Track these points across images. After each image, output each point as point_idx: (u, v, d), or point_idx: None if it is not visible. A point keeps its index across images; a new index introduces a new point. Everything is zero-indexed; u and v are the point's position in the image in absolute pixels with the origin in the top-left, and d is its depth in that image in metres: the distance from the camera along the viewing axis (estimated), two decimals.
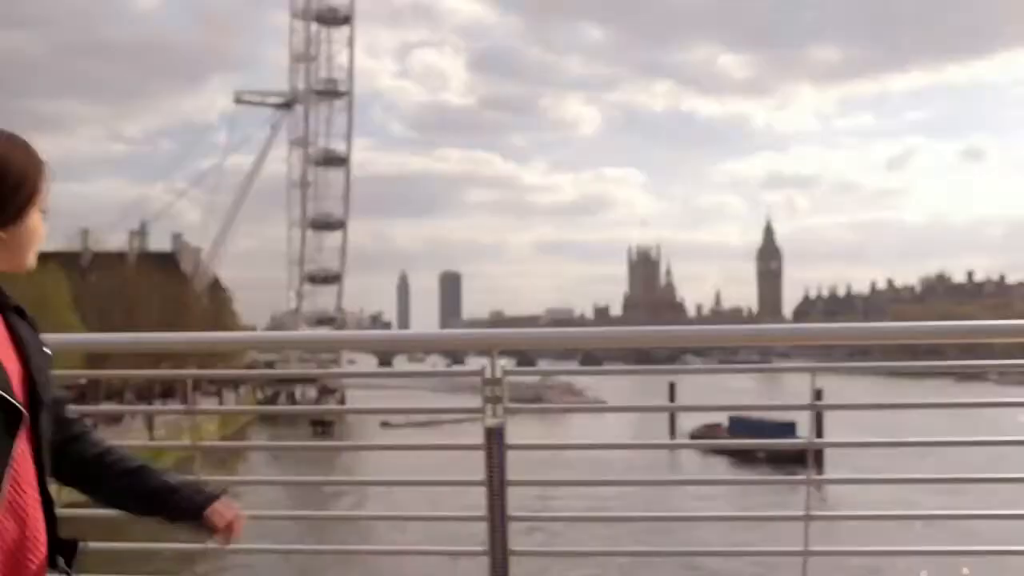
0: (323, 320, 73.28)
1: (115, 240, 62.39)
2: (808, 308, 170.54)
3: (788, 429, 24.94)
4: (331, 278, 75.71)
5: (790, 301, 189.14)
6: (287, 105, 75.79)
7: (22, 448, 1.48)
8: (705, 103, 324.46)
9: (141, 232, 67.67)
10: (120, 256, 57.24)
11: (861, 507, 12.24)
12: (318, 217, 75.54)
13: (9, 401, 1.44)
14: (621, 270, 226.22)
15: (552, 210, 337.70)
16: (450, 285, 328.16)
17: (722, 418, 31.34)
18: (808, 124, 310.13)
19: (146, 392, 39.13)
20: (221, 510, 1.69)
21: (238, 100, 78.09)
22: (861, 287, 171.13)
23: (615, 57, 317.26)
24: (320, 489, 18.69)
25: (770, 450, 26.76)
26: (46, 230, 1.56)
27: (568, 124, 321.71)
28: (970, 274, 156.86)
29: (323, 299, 75.59)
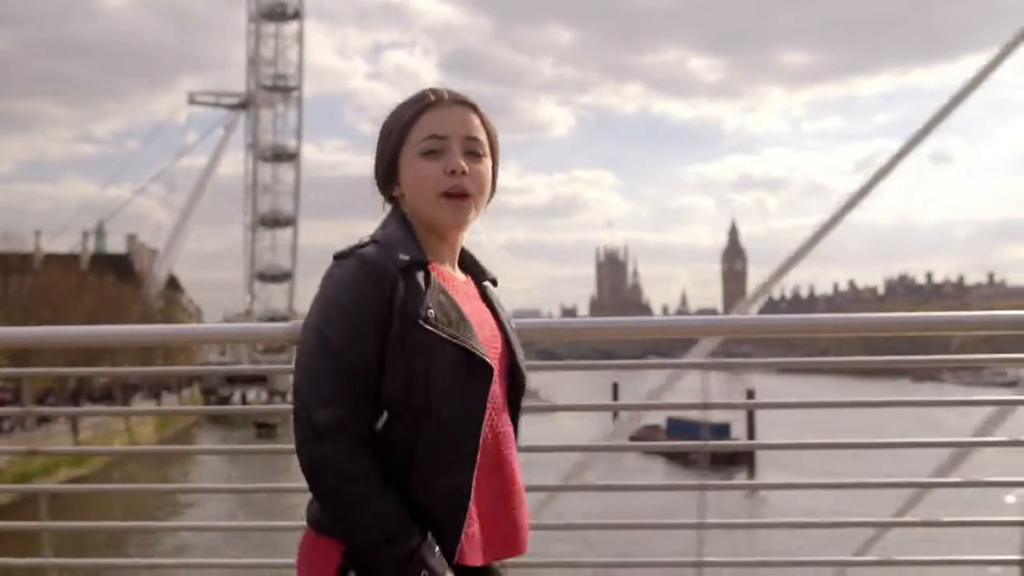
0: (275, 320, 71.26)
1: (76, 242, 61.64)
2: (772, 309, 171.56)
3: (723, 430, 25.33)
4: (282, 276, 74.99)
5: (754, 304, 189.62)
6: (242, 106, 75.07)
7: (497, 406, 1.54)
8: (676, 106, 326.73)
9: (98, 233, 66.78)
10: (74, 257, 56.47)
11: (819, 512, 12.21)
12: (268, 214, 74.73)
13: (478, 357, 1.49)
14: (590, 271, 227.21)
15: (525, 212, 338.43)
16: None
17: (660, 419, 31.59)
18: (778, 127, 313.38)
19: (76, 393, 38.36)
20: None
21: (192, 101, 77.12)
22: (825, 288, 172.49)
23: (586, 60, 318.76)
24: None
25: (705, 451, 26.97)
26: None
27: (540, 126, 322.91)
28: (929, 275, 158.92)
29: (279, 298, 74.91)
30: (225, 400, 53.83)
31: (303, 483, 1.46)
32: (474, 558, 1.48)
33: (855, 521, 2.99)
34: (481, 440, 1.48)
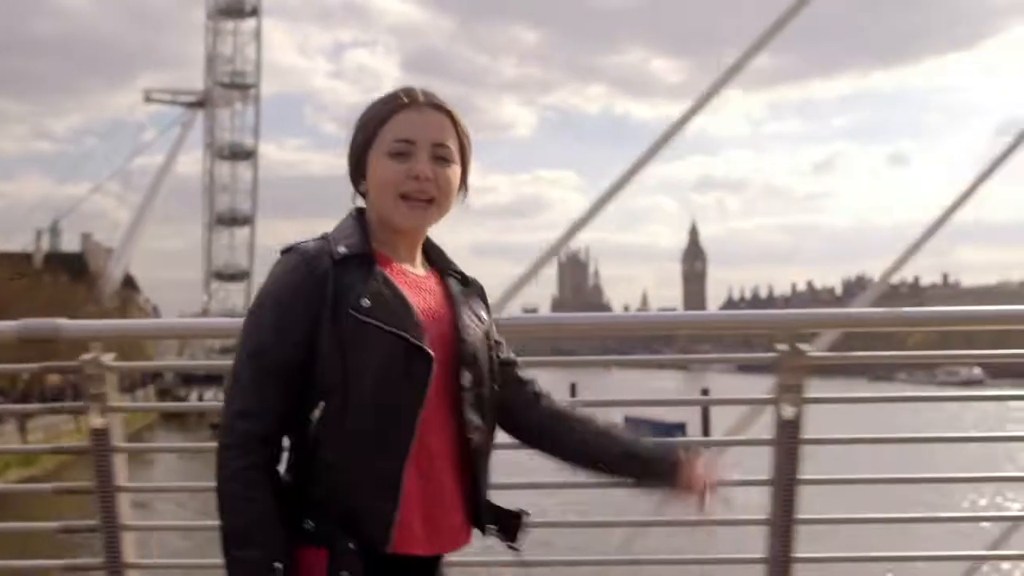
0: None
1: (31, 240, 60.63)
2: (731, 309, 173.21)
3: (679, 429, 25.64)
4: (239, 275, 74.17)
5: (715, 301, 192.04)
6: (200, 104, 74.13)
7: (435, 402, 1.51)
8: (638, 106, 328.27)
9: (53, 231, 65.69)
10: (26, 256, 55.47)
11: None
12: (226, 213, 74.09)
13: (414, 345, 1.48)
14: (552, 271, 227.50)
15: (488, 212, 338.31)
16: None
17: (618, 418, 31.74)
18: (739, 129, 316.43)
19: (27, 393, 37.56)
20: (696, 473, 1.65)
21: (148, 99, 75.90)
22: (784, 288, 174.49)
23: (550, 60, 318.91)
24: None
25: None
26: None
27: (503, 126, 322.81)
28: None
29: (236, 297, 74.09)
30: (182, 400, 53.03)
31: None
32: (415, 547, 1.49)
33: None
34: (417, 431, 1.48)
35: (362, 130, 1.60)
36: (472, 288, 1.68)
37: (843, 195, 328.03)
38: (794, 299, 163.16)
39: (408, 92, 1.59)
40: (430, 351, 1.50)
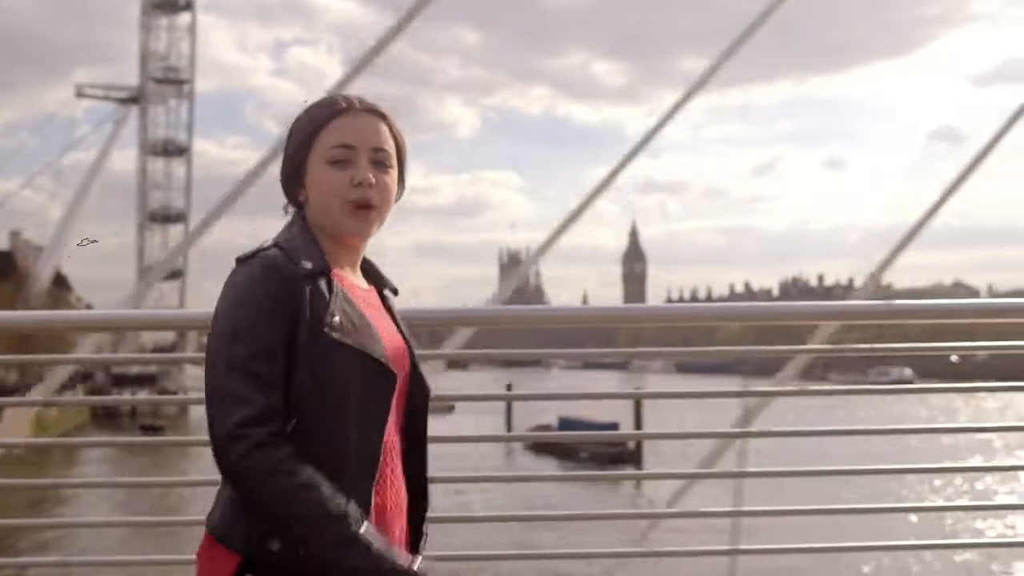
0: None
1: None
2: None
3: (612, 428, 26.12)
4: (173, 274, 72.53)
5: (654, 302, 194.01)
6: (133, 100, 72.52)
7: (394, 418, 1.54)
8: (580, 109, 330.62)
9: None
10: None
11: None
12: (159, 210, 72.58)
13: (383, 365, 1.49)
14: (493, 272, 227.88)
15: (430, 212, 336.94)
16: None
17: (551, 419, 32.18)
18: (680, 132, 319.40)
19: None
20: None
21: (80, 94, 73.88)
22: (722, 290, 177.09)
23: (492, 61, 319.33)
24: (149, 491, 18.04)
25: (592, 449, 28.05)
26: None
27: (446, 126, 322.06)
28: (820, 277, 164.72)
29: (170, 296, 72.65)
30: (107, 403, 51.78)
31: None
32: None
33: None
34: (383, 445, 1.50)
35: (298, 137, 1.57)
36: (393, 301, 1.69)
37: (782, 198, 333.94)
38: (732, 300, 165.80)
39: (345, 98, 1.58)
40: (394, 369, 1.51)
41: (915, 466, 4.37)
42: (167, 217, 73.01)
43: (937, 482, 19.59)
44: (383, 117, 1.59)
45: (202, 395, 1.46)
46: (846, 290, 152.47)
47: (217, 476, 1.47)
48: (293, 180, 1.59)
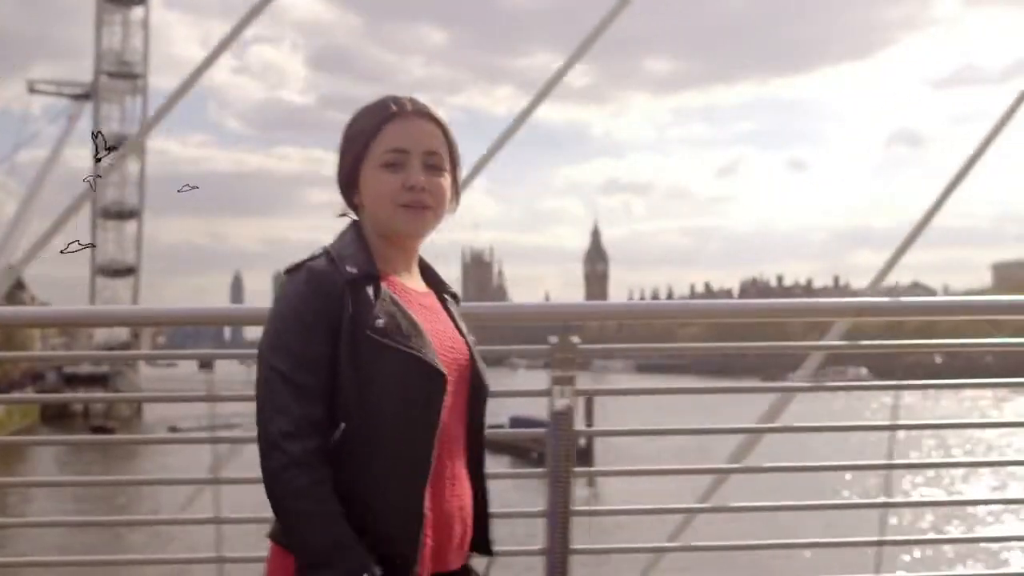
0: None
1: None
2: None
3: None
4: (125, 271, 71.64)
5: (616, 301, 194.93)
6: (86, 96, 71.06)
7: (451, 419, 1.54)
8: (545, 109, 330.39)
9: None
10: None
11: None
12: (111, 206, 71.15)
13: (431, 366, 1.50)
14: (456, 272, 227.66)
15: None
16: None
17: (503, 419, 32.11)
18: (644, 132, 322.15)
19: None
20: None
21: (32, 90, 72.21)
22: (683, 290, 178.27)
23: (458, 60, 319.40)
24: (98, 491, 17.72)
25: (543, 449, 27.97)
26: None
27: None
28: (780, 278, 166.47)
29: (124, 294, 71.46)
30: (64, 403, 50.75)
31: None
32: (426, 567, 1.51)
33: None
34: (435, 450, 1.50)
35: (352, 143, 1.60)
36: (456, 304, 1.70)
37: (744, 199, 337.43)
38: (692, 299, 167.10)
39: (396, 101, 1.59)
40: (444, 371, 1.51)
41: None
42: (120, 213, 71.82)
43: None
44: (436, 121, 1.61)
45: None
46: (805, 290, 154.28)
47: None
48: (349, 184, 1.61)
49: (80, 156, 76.99)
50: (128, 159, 72.73)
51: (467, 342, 1.63)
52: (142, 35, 72.94)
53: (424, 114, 1.60)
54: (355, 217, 1.63)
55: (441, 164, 1.60)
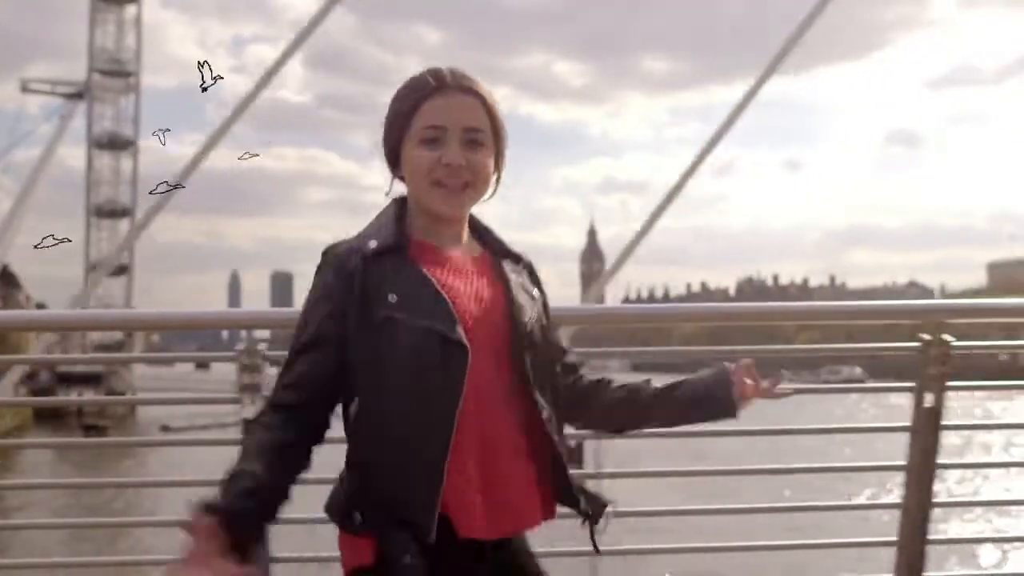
0: None
1: None
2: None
3: None
4: (118, 270, 71.14)
5: (612, 302, 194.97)
6: (79, 95, 70.85)
7: (489, 384, 1.52)
8: (543, 109, 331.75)
9: None
10: None
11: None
12: (104, 204, 71.33)
13: (448, 338, 1.48)
14: None
15: None
16: (281, 285, 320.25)
17: None
18: (641, 131, 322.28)
19: None
20: (748, 382, 1.67)
21: (25, 88, 71.77)
22: (679, 289, 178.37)
23: (453, 60, 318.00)
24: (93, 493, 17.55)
25: None
26: None
27: None
28: (775, 277, 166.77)
29: (117, 293, 71.43)
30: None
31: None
32: (475, 532, 1.49)
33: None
34: (458, 419, 1.47)
35: (393, 120, 1.60)
36: (522, 266, 1.69)
37: (740, 198, 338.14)
38: (688, 299, 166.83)
39: (436, 75, 1.58)
40: (464, 341, 1.49)
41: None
42: (113, 212, 71.74)
43: None
44: (478, 95, 1.59)
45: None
46: (801, 289, 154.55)
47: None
48: (392, 160, 1.62)
49: (74, 155, 76.83)
50: (122, 158, 73.22)
51: (514, 302, 1.59)
52: (135, 33, 72.86)
53: (465, 88, 1.59)
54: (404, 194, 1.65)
55: (482, 140, 1.58)
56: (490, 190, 1.63)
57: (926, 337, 2.46)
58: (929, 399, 2.46)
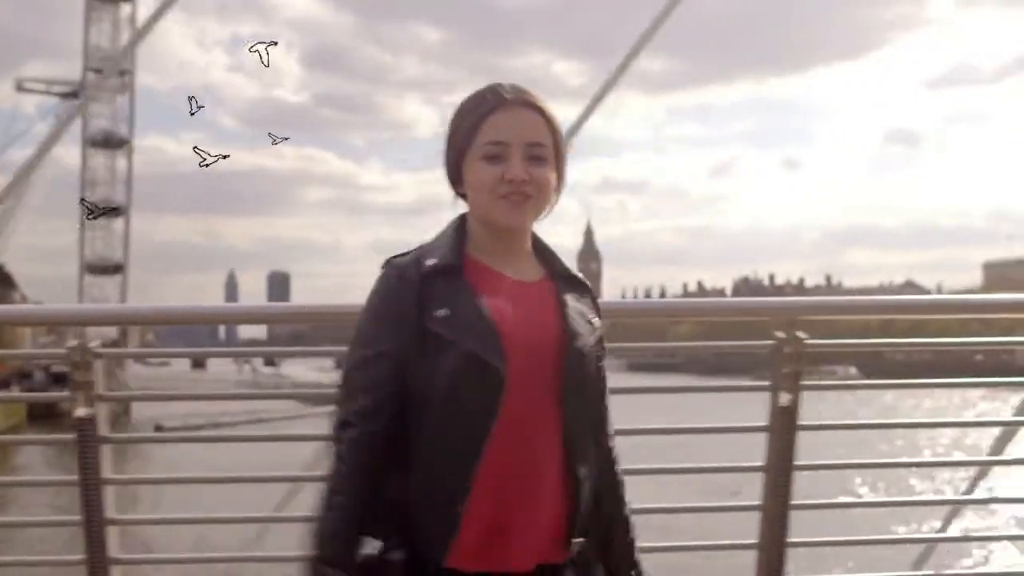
0: None
1: None
2: None
3: None
4: (111, 268, 71.30)
5: (608, 300, 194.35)
6: (74, 94, 70.57)
7: (528, 413, 1.50)
8: None
9: None
10: None
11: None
12: (98, 203, 70.48)
13: (486, 363, 1.47)
14: None
15: (389, 210, 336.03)
16: (278, 285, 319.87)
17: None
18: (639, 132, 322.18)
19: None
20: None
21: (20, 88, 72.58)
22: (676, 288, 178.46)
23: (452, 59, 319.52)
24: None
25: None
26: None
27: (405, 124, 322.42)
28: (771, 277, 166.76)
29: (112, 292, 71.14)
30: (53, 401, 50.35)
31: None
32: (464, 562, 1.48)
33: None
34: (489, 443, 1.47)
35: (454, 137, 1.60)
36: (582, 291, 1.66)
37: (738, 198, 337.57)
38: (685, 298, 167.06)
39: (496, 91, 1.59)
40: (503, 370, 1.48)
41: None
42: (106, 211, 71.53)
43: None
44: (539, 110, 1.59)
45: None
46: (796, 288, 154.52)
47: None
48: (455, 176, 1.61)
49: (69, 155, 76.71)
50: (117, 157, 73.03)
51: (569, 329, 1.56)
52: (130, 31, 72.67)
53: (527, 103, 1.59)
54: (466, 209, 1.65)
55: (544, 155, 1.58)
56: (551, 205, 1.63)
57: (780, 335, 2.40)
58: (785, 398, 2.39)
